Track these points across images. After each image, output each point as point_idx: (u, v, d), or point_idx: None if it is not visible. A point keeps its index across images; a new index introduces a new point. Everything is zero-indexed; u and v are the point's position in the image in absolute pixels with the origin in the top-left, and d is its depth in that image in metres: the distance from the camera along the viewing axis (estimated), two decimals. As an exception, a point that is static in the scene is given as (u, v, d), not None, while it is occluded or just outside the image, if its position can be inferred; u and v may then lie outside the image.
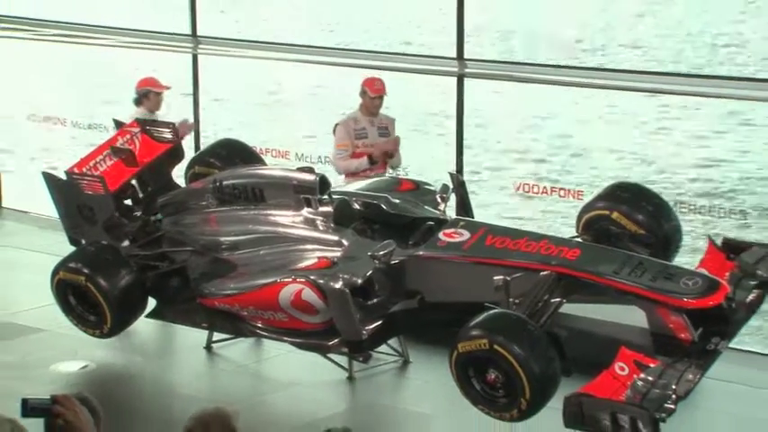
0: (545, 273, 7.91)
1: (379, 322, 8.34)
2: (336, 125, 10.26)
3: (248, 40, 14.00)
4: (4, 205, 14.16)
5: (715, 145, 20.49)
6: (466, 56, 11.32)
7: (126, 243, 9.40)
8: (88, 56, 16.13)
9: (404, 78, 12.67)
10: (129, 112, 10.82)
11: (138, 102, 11.06)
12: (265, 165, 10.06)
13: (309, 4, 28.22)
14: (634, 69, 18.64)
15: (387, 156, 10.00)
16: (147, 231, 9.47)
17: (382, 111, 10.33)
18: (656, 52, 25.94)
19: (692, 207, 11.51)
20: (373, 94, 10.15)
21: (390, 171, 10.06)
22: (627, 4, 28.94)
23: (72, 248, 9.57)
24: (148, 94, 10.98)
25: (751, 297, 7.84)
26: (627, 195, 8.68)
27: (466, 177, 10.09)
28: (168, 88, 11.13)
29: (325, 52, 13.72)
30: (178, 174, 10.02)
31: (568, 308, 7.86)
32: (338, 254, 8.49)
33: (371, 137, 10.00)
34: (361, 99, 10.27)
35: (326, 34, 24.96)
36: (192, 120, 11.21)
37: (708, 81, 13.38)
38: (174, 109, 11.29)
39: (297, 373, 9.06)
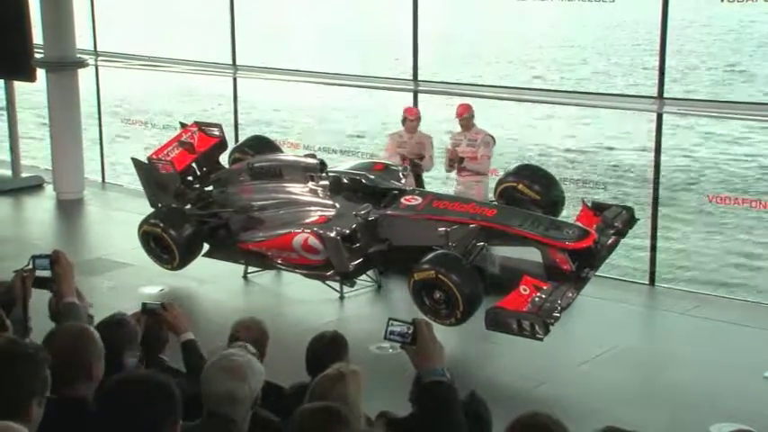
0: (473, 225, 7.88)
1: (361, 259, 8.31)
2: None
3: (271, 67, 13.71)
4: (107, 181, 14.00)
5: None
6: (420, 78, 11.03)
7: (188, 206, 9.29)
8: (164, 78, 15.86)
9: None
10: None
11: (402, 122, 9.75)
12: (283, 152, 9.96)
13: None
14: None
15: (459, 160, 9.18)
16: (203, 198, 9.39)
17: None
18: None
19: (572, 181, 11.50)
20: (458, 117, 9.35)
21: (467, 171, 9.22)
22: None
23: (151, 210, 9.43)
24: (404, 120, 9.67)
25: (610, 241, 7.88)
26: (528, 172, 8.67)
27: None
28: (416, 119, 9.60)
29: (322, 76, 13.47)
30: (223, 159, 9.88)
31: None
32: (332, 213, 8.43)
33: (462, 146, 9.29)
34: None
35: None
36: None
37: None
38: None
39: (304, 294, 8.98)
